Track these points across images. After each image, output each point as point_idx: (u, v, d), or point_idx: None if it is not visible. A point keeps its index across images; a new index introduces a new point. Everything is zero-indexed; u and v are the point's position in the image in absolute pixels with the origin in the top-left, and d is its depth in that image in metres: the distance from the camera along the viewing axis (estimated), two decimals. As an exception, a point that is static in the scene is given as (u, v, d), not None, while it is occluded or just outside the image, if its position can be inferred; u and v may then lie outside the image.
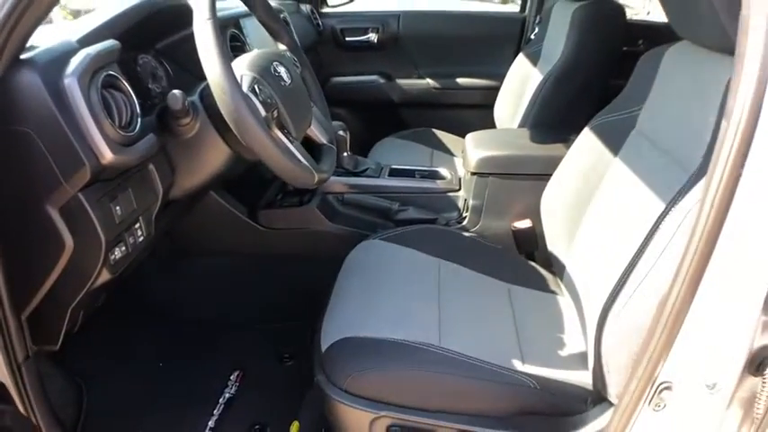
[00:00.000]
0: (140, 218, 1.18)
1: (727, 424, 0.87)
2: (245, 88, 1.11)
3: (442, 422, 1.12)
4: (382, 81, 3.04)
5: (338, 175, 1.95)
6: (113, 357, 1.70)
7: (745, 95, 0.72)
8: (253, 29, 1.87)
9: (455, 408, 1.13)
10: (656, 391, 0.87)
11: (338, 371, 1.15)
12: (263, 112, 1.12)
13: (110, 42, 1.07)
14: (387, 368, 1.14)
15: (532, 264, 1.61)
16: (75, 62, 0.95)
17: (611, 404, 1.06)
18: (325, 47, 2.99)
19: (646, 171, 1.17)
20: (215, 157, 1.23)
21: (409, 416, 1.12)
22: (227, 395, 1.66)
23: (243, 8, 1.71)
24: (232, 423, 1.58)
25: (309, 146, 1.40)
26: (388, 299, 1.33)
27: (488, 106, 2.70)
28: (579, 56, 2.02)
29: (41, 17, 0.92)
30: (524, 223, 1.77)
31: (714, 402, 0.85)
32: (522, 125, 2.16)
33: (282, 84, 1.25)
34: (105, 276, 1.09)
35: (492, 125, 2.61)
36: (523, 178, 1.80)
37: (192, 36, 1.09)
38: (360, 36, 3.02)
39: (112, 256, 1.09)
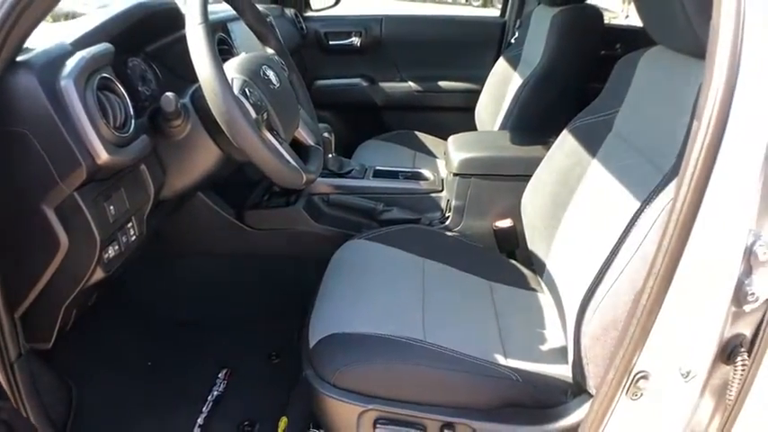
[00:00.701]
0: (133, 218, 1.20)
1: (701, 411, 0.91)
2: (235, 91, 1.14)
3: (427, 414, 1.14)
4: (365, 84, 3.06)
5: (323, 177, 1.97)
6: (102, 356, 1.70)
7: (715, 97, 0.76)
8: (240, 33, 1.89)
9: (440, 400, 1.16)
10: (632, 381, 0.90)
11: (326, 365, 1.17)
12: (253, 114, 1.14)
13: (104, 45, 1.09)
14: (374, 362, 1.16)
15: (513, 262, 1.65)
16: (71, 64, 0.97)
17: (590, 395, 1.10)
18: (309, 50, 3.01)
19: (622, 171, 1.20)
20: (205, 158, 1.25)
21: (396, 408, 1.15)
22: (215, 393, 1.67)
23: (230, 12, 1.74)
24: (221, 420, 1.60)
25: (297, 147, 1.42)
26: (374, 296, 1.36)
27: (469, 109, 2.74)
28: (558, 60, 2.07)
29: (39, 20, 0.94)
30: (505, 223, 1.81)
31: (689, 390, 0.89)
32: (502, 128, 2.20)
33: (271, 87, 1.28)
34: (99, 275, 1.11)
35: (473, 127, 2.65)
36: (504, 179, 1.84)
37: (180, 39, 1.11)
38: (343, 40, 3.04)
39: (106, 255, 1.11)
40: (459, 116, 2.90)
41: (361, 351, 1.17)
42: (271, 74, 1.31)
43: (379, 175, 2.03)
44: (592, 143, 1.35)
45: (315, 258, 1.61)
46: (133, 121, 1.10)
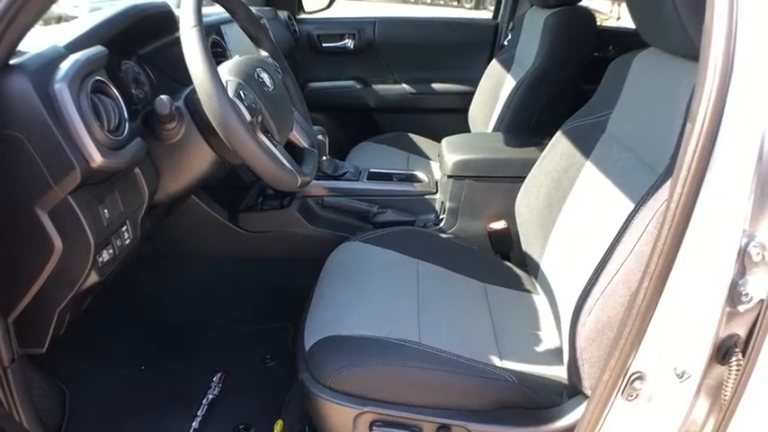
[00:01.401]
0: (127, 221, 1.20)
1: (696, 411, 0.91)
2: (230, 94, 1.14)
3: (423, 416, 1.14)
4: (358, 86, 3.06)
5: (318, 179, 1.97)
6: (96, 360, 1.69)
7: (708, 99, 0.76)
8: (233, 35, 1.89)
9: (436, 402, 1.16)
10: (628, 381, 0.91)
11: (322, 368, 1.17)
12: (248, 117, 1.14)
13: (98, 48, 1.08)
14: (369, 365, 1.16)
15: (508, 264, 1.65)
16: (64, 67, 0.97)
17: (585, 396, 1.10)
18: (302, 53, 3.01)
19: (616, 173, 1.21)
20: (199, 161, 1.25)
21: (392, 411, 1.14)
22: (210, 397, 1.67)
23: (224, 15, 1.73)
24: (216, 424, 1.59)
25: (291, 149, 1.42)
26: (369, 298, 1.36)
27: (463, 111, 2.74)
28: (551, 62, 2.08)
29: (32, 22, 0.94)
30: (499, 224, 1.82)
31: (684, 390, 0.89)
32: (496, 129, 2.20)
33: (266, 89, 1.28)
34: (93, 278, 1.11)
35: (466, 129, 2.66)
36: (498, 181, 1.84)
37: (173, 42, 1.10)
38: (336, 42, 3.04)
39: (100, 259, 1.10)
40: (453, 118, 2.89)
41: (356, 354, 1.17)
42: (265, 76, 1.31)
43: (373, 177, 2.03)
44: (585, 145, 1.36)
45: (309, 261, 1.60)
46: (127, 125, 1.10)
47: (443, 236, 1.79)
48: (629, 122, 1.26)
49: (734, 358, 0.84)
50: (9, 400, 1.08)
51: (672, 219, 0.80)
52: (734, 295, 0.82)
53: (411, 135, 2.77)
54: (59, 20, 1.67)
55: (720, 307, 0.83)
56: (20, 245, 1.01)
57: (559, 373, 1.20)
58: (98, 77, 1.05)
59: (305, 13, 3.13)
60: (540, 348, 1.30)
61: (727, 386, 0.85)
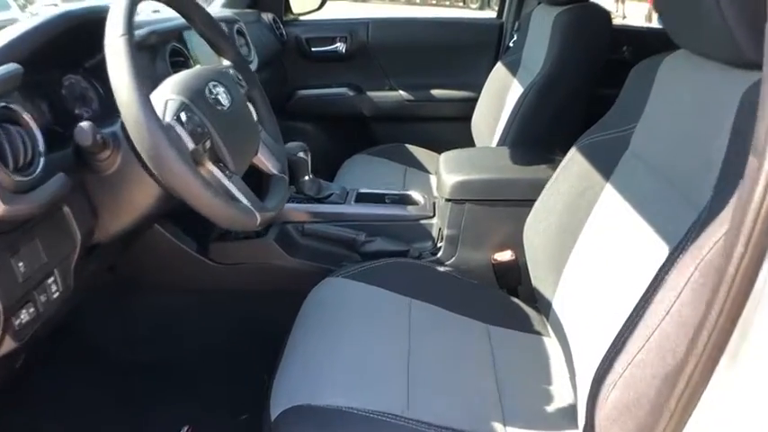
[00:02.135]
0: (55, 270, 1.02)
1: None
2: (168, 116, 0.97)
3: None
4: (351, 94, 2.89)
5: (299, 203, 1.80)
6: (53, 408, 1.56)
7: None
8: (199, 42, 1.72)
9: None
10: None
11: None
12: (190, 145, 0.97)
13: (7, 67, 0.91)
14: None
15: (515, 300, 1.49)
16: None
17: None
18: (290, 58, 2.85)
19: (643, 200, 1.05)
20: (142, 195, 1.08)
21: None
22: (175, 455, 1.50)
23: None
24: None
25: (258, 177, 1.26)
26: (350, 353, 1.19)
27: (465, 119, 2.58)
28: (563, 65, 1.89)
29: None
30: (505, 255, 1.65)
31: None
32: (501, 143, 2.02)
33: (220, 108, 1.11)
34: (10, 345, 0.93)
35: (469, 139, 2.50)
36: (504, 204, 1.66)
37: None
38: (326, 46, 2.87)
39: (17, 321, 0.93)
40: (455, 127, 2.75)
41: (329, 430, 1.00)
42: (220, 91, 1.13)
43: (362, 199, 1.85)
44: (605, 164, 1.20)
45: (289, 295, 1.45)
46: (42, 159, 0.92)
47: (440, 268, 1.61)
48: (658, 139, 1.09)
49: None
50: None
51: (730, 285, 0.61)
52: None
53: (409, 146, 2.61)
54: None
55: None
56: None
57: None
58: (4, 104, 0.88)
59: (293, 14, 2.96)
60: (551, 408, 1.14)
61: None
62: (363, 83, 2.91)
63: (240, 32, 2.06)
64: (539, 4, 2.30)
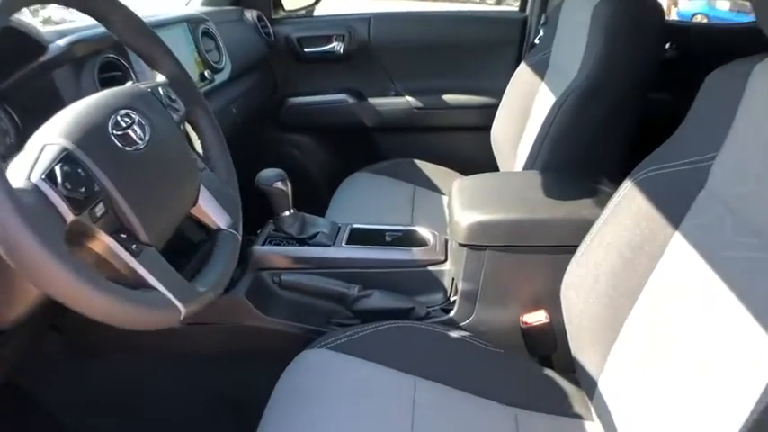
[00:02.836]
0: None
1: None
2: (37, 173, 0.67)
3: None
4: (351, 101, 2.58)
5: (277, 243, 1.50)
6: None
7: None
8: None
9: None
10: None
11: None
12: (68, 216, 0.66)
13: None
14: None
15: (549, 373, 1.22)
16: None
17: None
18: (279, 61, 2.54)
19: (731, 264, 0.82)
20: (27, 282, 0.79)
21: None
22: None
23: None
24: None
25: (200, 232, 0.96)
26: None
27: (484, 129, 2.27)
28: (608, 69, 1.53)
29: None
30: (537, 316, 1.34)
31: None
32: (529, 165, 1.67)
33: (130, 149, 0.79)
34: None
35: (489, 153, 2.18)
36: (536, 251, 1.34)
37: (38, 71, 0.87)
38: (322, 46, 2.55)
39: None
40: (472, 139, 2.45)
41: None
42: (134, 120, 0.82)
43: (356, 238, 1.53)
44: (673, 207, 0.96)
45: (267, 359, 1.22)
46: None
47: (454, 334, 1.29)
48: (749, 177, 0.85)
49: None
50: None
51: None
52: None
53: (418, 162, 2.30)
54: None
55: None
56: None
57: None
58: None
59: (284, 11, 2.65)
60: None
61: None
62: (364, 88, 2.60)
63: (208, 34, 1.74)
64: (570, -9, 1.97)
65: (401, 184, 2.13)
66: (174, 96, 0.98)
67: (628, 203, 1.04)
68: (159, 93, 0.94)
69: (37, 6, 0.86)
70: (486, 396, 1.10)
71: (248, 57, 2.14)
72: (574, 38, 1.71)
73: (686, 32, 2.34)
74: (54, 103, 0.83)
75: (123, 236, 0.74)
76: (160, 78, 1.01)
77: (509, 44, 2.52)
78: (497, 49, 2.53)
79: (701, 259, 0.86)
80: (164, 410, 1.57)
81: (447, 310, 1.41)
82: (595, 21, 1.56)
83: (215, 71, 1.69)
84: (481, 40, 2.54)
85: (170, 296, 0.77)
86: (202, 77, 1.61)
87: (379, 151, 2.61)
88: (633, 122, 1.61)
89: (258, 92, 2.32)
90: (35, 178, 0.67)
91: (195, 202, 0.94)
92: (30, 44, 1.09)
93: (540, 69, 1.96)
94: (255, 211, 1.41)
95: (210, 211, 0.97)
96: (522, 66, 2.09)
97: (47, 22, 1.47)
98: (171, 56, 1.03)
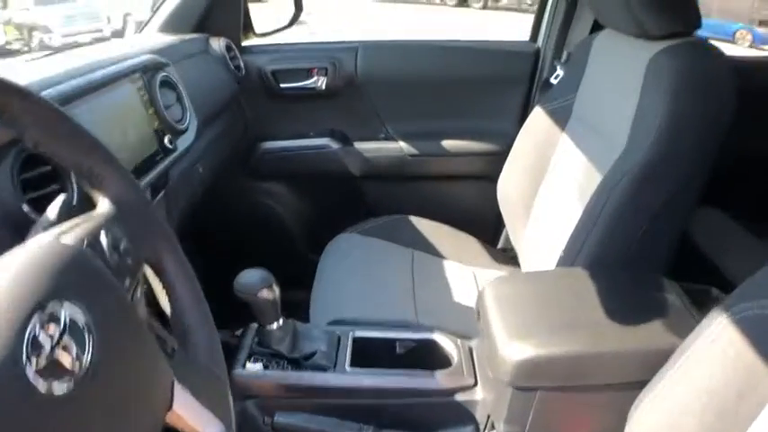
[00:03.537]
0: None
1: None
2: None
3: None
4: (335, 146, 2.26)
5: (266, 364, 1.22)
6: None
7: None
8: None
9: None
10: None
11: None
12: None
13: None
14: None
15: None
16: None
17: None
18: (250, 98, 2.20)
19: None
20: None
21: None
22: None
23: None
24: None
25: None
26: None
27: (487, 178, 2.02)
28: (675, 140, 1.22)
29: None
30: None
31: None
32: (570, 259, 1.34)
33: (61, 388, 0.48)
34: None
35: (493, 205, 1.92)
36: (597, 390, 1.08)
37: None
38: (300, 81, 2.21)
39: None
40: (474, 189, 2.25)
41: None
42: (64, 323, 0.50)
43: (360, 354, 1.24)
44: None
45: None
46: None
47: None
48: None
49: None
50: None
51: None
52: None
53: (413, 219, 2.03)
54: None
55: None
56: None
57: None
58: None
59: (255, 34, 2.31)
60: None
61: None
62: (351, 131, 2.29)
63: (168, 83, 1.40)
64: (598, 28, 1.71)
65: (397, 248, 1.87)
66: (120, 234, 0.67)
67: (722, 343, 0.77)
68: (101, 242, 0.63)
69: None
70: None
71: (216, 100, 1.83)
72: (615, 91, 1.43)
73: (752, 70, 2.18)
74: None
75: None
76: (102, 208, 0.69)
77: (518, 80, 2.25)
78: (504, 85, 2.25)
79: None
80: None
81: (482, 461, 1.12)
82: (654, 77, 1.27)
83: (177, 134, 1.37)
84: (485, 75, 2.26)
85: None
86: (163, 148, 1.28)
87: (368, 204, 2.32)
88: (696, 202, 1.34)
89: (228, 139, 2.00)
90: None
91: (170, 407, 0.63)
92: None
93: (561, 118, 1.68)
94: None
95: (192, 417, 0.65)
96: (538, 111, 1.80)
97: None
98: (118, 168, 0.72)
